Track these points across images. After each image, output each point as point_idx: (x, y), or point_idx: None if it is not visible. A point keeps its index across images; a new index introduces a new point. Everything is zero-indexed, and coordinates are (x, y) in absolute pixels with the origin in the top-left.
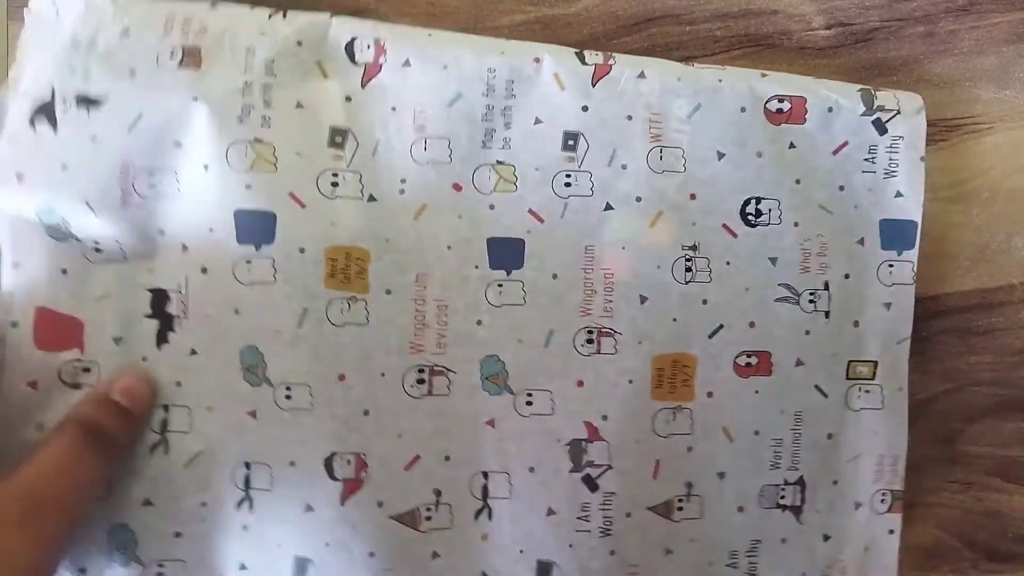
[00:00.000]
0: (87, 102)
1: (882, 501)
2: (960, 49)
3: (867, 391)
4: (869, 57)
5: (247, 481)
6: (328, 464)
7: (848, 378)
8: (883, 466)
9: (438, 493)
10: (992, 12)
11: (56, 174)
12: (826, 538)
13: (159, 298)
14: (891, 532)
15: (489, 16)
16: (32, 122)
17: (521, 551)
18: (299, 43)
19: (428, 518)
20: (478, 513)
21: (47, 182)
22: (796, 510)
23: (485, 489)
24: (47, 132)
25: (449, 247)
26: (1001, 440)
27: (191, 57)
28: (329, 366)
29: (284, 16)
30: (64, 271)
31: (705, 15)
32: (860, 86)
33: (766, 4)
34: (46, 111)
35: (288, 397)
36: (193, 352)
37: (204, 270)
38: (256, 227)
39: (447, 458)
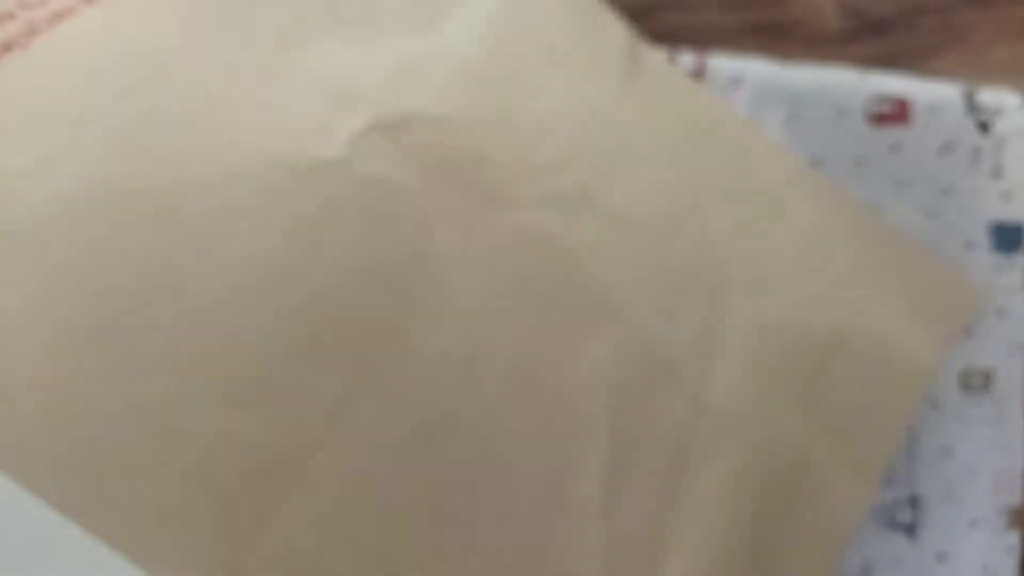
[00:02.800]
0: None
1: (999, 516)
2: (975, 41)
3: (981, 402)
4: (883, 48)
5: None
6: None
7: (962, 389)
8: (999, 481)
9: None
10: (1008, 5)
11: None
12: (941, 558)
13: None
14: (1009, 550)
15: None
16: None
17: None
18: None
19: None
20: None
21: None
22: (909, 529)
23: None
24: None
25: None
26: None
27: None
28: None
29: None
30: None
31: (714, 4)
32: (960, 84)
33: None
34: None
35: None
36: None
37: None
38: None
39: None
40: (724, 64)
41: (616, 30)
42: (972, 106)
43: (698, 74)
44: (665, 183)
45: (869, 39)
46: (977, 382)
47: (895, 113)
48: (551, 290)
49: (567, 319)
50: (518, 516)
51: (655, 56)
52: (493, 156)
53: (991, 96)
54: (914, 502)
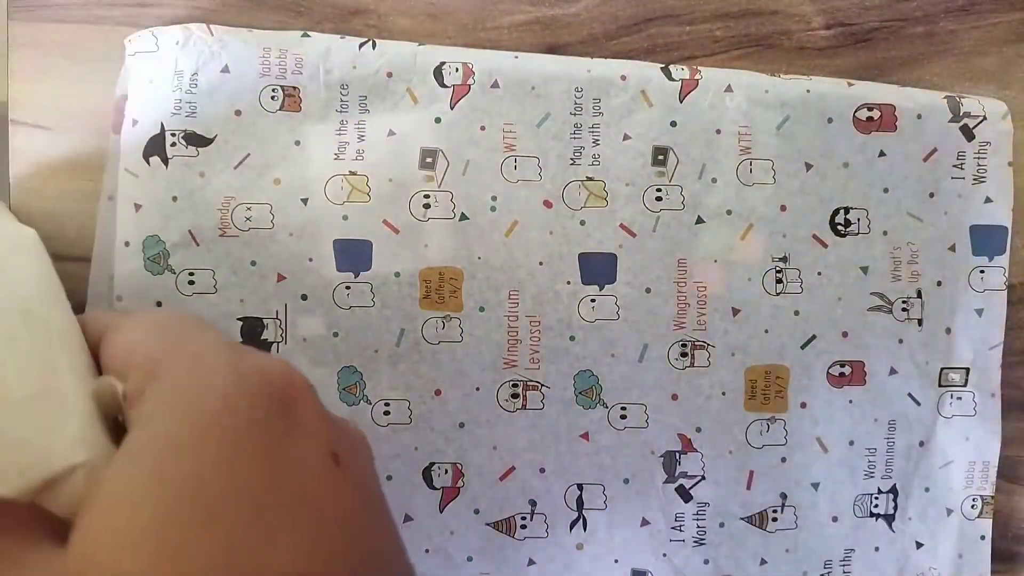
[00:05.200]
0: (196, 139)
1: (972, 507)
2: (960, 49)
3: (959, 398)
4: (869, 57)
5: None
6: (426, 474)
7: (940, 385)
8: (974, 472)
9: (533, 503)
10: (992, 12)
11: (167, 206)
12: (919, 546)
13: (251, 326)
14: (982, 538)
15: (489, 16)
16: (145, 156)
17: (616, 560)
18: (389, 74)
19: (523, 526)
20: (573, 524)
21: (159, 213)
22: (889, 518)
23: (580, 500)
24: (159, 165)
25: (541, 263)
26: (1002, 440)
27: (290, 99)
28: (426, 382)
29: (374, 47)
30: (159, 304)
31: (705, 15)
32: (945, 93)
33: (766, 4)
34: (156, 146)
35: (387, 413)
36: None
37: (304, 297)
38: (354, 255)
39: (542, 470)
40: (717, 74)
41: None
42: (957, 113)
43: (691, 84)
44: None
45: (855, 49)
46: (956, 379)
47: (882, 119)
48: None
49: None
50: None
51: None
52: None
53: (975, 103)
54: (893, 493)
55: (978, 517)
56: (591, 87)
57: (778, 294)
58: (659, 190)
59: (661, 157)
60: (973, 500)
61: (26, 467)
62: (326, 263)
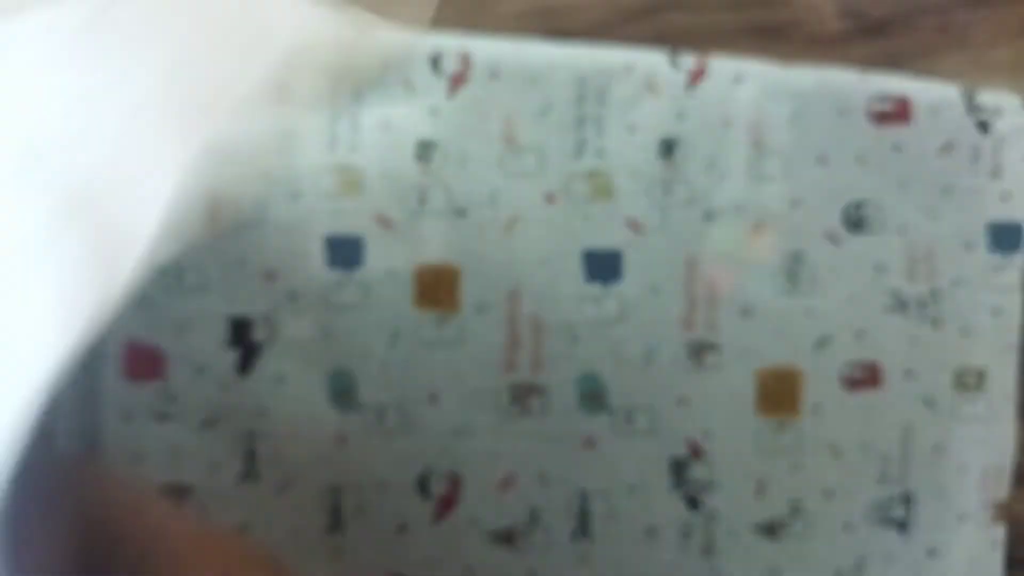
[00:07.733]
0: None
1: (986, 513)
2: (974, 41)
3: (975, 400)
4: (882, 49)
5: (337, 506)
6: (422, 483)
7: (956, 388)
8: (988, 477)
9: (534, 512)
10: (1005, 4)
11: None
12: (931, 553)
13: (240, 327)
14: (995, 544)
15: (491, 4)
16: None
17: (621, 570)
18: (385, 64)
19: (525, 537)
20: (575, 533)
21: None
22: (902, 525)
23: (583, 510)
24: None
25: (542, 261)
26: (1017, 444)
27: (280, 87)
28: (421, 386)
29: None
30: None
31: (714, 3)
32: (959, 84)
33: None
34: None
35: (379, 418)
36: (280, 379)
37: (293, 295)
38: (346, 251)
39: (543, 478)
40: (726, 64)
41: None
42: (972, 106)
43: (699, 74)
44: None
45: (869, 39)
46: (971, 381)
47: (896, 112)
48: None
49: None
50: None
51: None
52: None
53: (991, 96)
54: (906, 499)
55: (992, 523)
56: (595, 76)
57: (790, 293)
58: (666, 184)
59: (668, 150)
60: (986, 506)
61: None
62: (316, 260)
